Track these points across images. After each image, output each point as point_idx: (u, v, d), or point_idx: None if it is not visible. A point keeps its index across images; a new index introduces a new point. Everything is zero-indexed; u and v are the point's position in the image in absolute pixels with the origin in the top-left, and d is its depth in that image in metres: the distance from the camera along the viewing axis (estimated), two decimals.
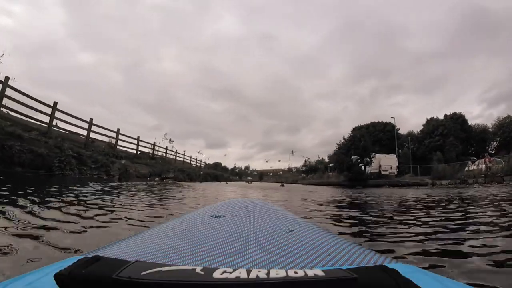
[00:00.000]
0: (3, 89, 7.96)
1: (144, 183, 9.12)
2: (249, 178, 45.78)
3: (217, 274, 0.28)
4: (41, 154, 7.59)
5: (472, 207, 3.89)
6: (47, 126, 9.62)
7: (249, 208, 0.79)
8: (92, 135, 12.53)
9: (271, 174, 60.26)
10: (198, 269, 0.30)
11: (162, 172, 14.35)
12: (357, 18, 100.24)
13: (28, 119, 9.06)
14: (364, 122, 37.30)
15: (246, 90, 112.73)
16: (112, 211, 2.63)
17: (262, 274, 0.29)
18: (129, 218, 2.31)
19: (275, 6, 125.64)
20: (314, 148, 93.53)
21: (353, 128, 39.05)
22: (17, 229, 1.66)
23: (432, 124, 31.01)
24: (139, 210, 2.89)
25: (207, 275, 0.28)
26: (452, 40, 71.26)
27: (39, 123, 9.49)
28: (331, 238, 0.63)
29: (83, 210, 2.54)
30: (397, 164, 26.54)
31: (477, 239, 1.82)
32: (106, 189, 5.13)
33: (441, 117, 31.69)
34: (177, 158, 23.72)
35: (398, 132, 32.85)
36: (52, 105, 9.86)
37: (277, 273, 0.29)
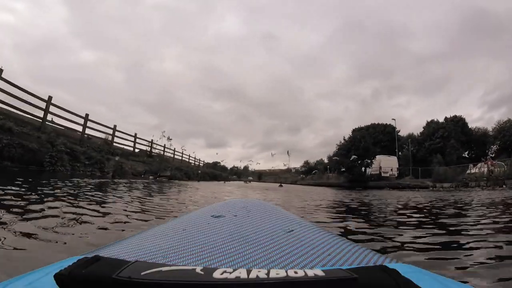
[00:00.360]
0: None
1: (135, 181, 8.91)
2: (250, 178, 45.82)
3: (217, 274, 0.28)
4: (32, 149, 7.43)
5: (476, 211, 3.85)
6: (41, 120, 9.44)
7: (249, 208, 0.79)
8: (88, 131, 12.42)
9: (270, 173, 60.14)
10: (198, 269, 0.30)
11: (159, 170, 14.15)
12: (358, 18, 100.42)
13: (22, 114, 8.90)
14: (365, 123, 37.65)
15: (247, 90, 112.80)
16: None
17: (262, 274, 0.29)
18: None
19: (277, 6, 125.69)
20: (315, 149, 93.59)
21: (353, 129, 39.16)
22: None
23: (432, 127, 31.00)
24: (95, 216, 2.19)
25: (207, 275, 0.28)
26: (454, 41, 71.47)
27: (34, 118, 9.34)
28: (331, 238, 0.62)
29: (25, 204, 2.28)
30: (397, 166, 26.32)
31: (478, 241, 1.83)
32: (84, 186, 4.72)
33: (441, 119, 31.70)
34: (175, 156, 23.57)
35: (398, 134, 32.76)
36: (46, 99, 9.64)
37: (277, 273, 0.29)
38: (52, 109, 9.98)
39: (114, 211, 2.50)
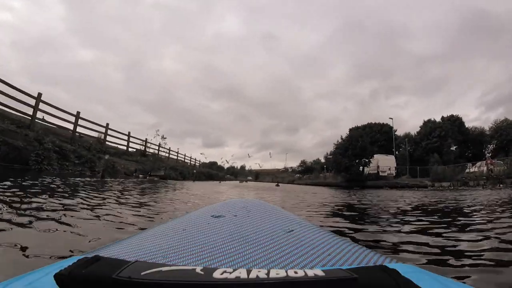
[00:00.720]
0: None
1: (123, 180, 8.57)
2: (249, 178, 45.53)
3: (217, 274, 0.28)
4: (17, 147, 7.11)
5: (476, 211, 3.81)
6: (30, 118, 9.06)
7: (249, 208, 0.78)
8: (81, 130, 12.05)
9: (267, 173, 60.00)
10: (198, 269, 0.30)
11: (152, 170, 13.82)
12: (358, 18, 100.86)
13: (10, 111, 8.55)
14: (363, 122, 37.53)
15: (246, 90, 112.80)
16: None
17: (262, 274, 0.29)
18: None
19: (277, 6, 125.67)
20: (313, 148, 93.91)
21: (350, 129, 39.13)
22: None
23: (429, 126, 31.06)
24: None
25: (207, 275, 0.28)
26: (453, 42, 71.96)
27: (23, 116, 9.01)
28: (331, 238, 0.62)
29: None
30: (395, 165, 26.03)
31: (479, 241, 1.82)
32: (60, 185, 4.27)
33: (438, 119, 31.64)
34: (171, 155, 23.18)
35: (395, 133, 32.68)
36: (36, 96, 9.28)
37: (277, 273, 0.29)
38: (43, 106, 9.65)
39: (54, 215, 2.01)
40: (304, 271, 0.29)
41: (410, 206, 4.52)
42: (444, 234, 2.04)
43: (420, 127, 32.85)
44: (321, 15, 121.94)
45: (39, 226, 1.62)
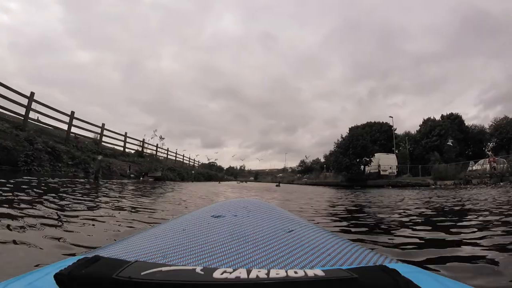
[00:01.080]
0: None
1: (116, 181, 8.40)
2: (251, 178, 44.98)
3: (217, 274, 0.28)
4: (5, 147, 6.79)
5: (481, 209, 3.71)
6: (22, 118, 8.85)
7: (249, 208, 0.78)
8: (76, 130, 11.71)
9: (267, 173, 59.73)
10: (198, 269, 0.30)
11: (149, 170, 13.54)
12: (356, 18, 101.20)
13: (4, 111, 8.32)
14: (362, 122, 37.29)
15: (245, 90, 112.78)
16: None
17: (262, 274, 0.29)
18: None
19: (276, 6, 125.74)
20: (312, 148, 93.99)
21: (350, 128, 38.94)
22: None
23: (429, 124, 30.91)
24: None
25: (207, 275, 0.28)
26: (452, 41, 72.42)
27: (16, 116, 8.77)
28: (331, 238, 0.62)
29: None
30: (396, 164, 25.37)
31: (480, 240, 1.81)
32: (34, 187, 3.90)
33: (438, 117, 31.46)
34: (169, 156, 22.81)
35: (395, 132, 32.47)
36: (28, 95, 9.02)
37: (277, 273, 0.29)
38: (38, 107, 9.42)
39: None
40: (304, 271, 0.29)
41: (418, 206, 4.30)
42: (446, 236, 2.00)
43: (419, 125, 32.73)
44: (319, 15, 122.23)
45: None
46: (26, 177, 5.05)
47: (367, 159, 23.57)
